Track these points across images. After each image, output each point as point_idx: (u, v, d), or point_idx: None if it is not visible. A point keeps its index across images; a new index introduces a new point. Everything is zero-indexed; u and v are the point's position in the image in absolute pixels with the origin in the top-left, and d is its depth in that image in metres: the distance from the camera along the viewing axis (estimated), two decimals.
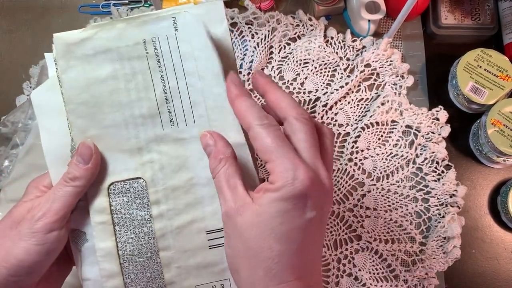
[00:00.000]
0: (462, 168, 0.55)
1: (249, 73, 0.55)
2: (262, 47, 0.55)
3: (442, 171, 0.53)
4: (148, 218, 0.33)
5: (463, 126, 0.56)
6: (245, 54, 0.55)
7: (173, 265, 0.34)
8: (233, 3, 0.57)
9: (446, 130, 0.54)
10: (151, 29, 0.32)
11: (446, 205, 0.53)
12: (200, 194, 0.33)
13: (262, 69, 0.56)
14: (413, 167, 0.54)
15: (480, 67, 0.52)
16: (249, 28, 0.56)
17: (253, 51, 0.55)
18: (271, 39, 0.56)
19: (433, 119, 0.54)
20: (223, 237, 0.32)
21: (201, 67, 0.32)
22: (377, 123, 0.54)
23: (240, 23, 0.55)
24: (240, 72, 0.55)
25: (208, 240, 0.33)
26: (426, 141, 0.54)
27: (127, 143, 0.33)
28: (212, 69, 0.32)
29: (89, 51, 0.32)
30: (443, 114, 0.54)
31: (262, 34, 0.55)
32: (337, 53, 0.57)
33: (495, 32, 0.58)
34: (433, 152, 0.53)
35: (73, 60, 0.32)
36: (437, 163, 0.53)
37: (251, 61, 0.55)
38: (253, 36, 0.56)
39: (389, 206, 0.53)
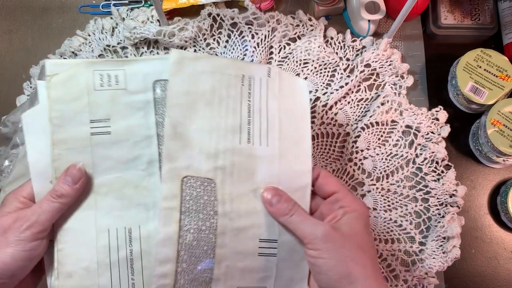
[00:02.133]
0: (462, 168, 0.55)
1: None
2: (262, 47, 0.55)
3: (442, 171, 0.53)
4: (213, 214, 0.36)
5: (463, 126, 0.56)
6: (245, 54, 0.56)
7: (224, 263, 0.36)
8: (233, 3, 0.57)
9: (446, 130, 0.54)
10: (250, 69, 0.39)
11: (446, 205, 0.53)
12: (260, 206, 0.37)
13: None
14: (413, 167, 0.54)
15: (480, 67, 0.52)
16: (249, 28, 0.56)
17: (253, 51, 0.55)
18: (271, 39, 0.56)
19: (433, 119, 0.55)
20: (272, 248, 0.37)
21: (284, 117, 0.39)
22: (377, 123, 0.54)
23: (240, 23, 0.56)
24: None
25: (259, 247, 0.37)
26: (426, 141, 0.54)
27: (208, 146, 0.37)
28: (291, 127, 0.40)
29: (199, 68, 0.38)
30: (442, 114, 0.54)
31: (262, 34, 0.55)
32: (337, 53, 0.57)
33: (495, 32, 0.58)
34: (433, 152, 0.54)
35: (185, 70, 0.37)
36: (437, 163, 0.54)
37: (251, 61, 0.55)
38: (253, 36, 0.56)
39: (389, 206, 0.53)
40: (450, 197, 0.53)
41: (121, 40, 0.57)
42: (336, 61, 0.56)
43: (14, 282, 0.35)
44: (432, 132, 0.54)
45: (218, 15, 0.56)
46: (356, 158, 0.54)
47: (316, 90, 0.55)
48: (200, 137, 0.37)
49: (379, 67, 0.56)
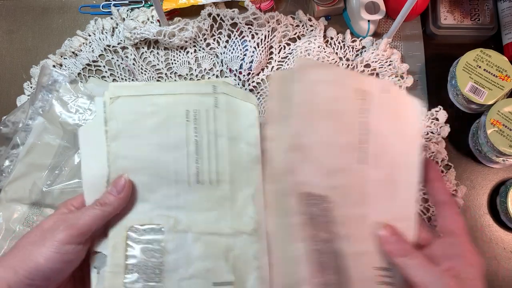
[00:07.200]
0: (462, 168, 0.55)
1: (249, 73, 0.55)
2: (262, 47, 0.55)
3: (442, 171, 0.54)
4: (331, 236, 0.34)
5: (463, 126, 0.56)
6: (245, 55, 0.56)
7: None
8: (233, 4, 0.57)
9: (446, 130, 0.54)
10: (367, 83, 0.36)
11: None
12: (371, 234, 0.35)
13: (262, 69, 0.56)
14: None
15: (480, 67, 0.53)
16: (249, 28, 0.56)
17: (253, 52, 0.55)
18: (271, 39, 0.56)
19: (432, 119, 0.55)
20: (388, 276, 0.35)
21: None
22: None
23: (240, 23, 0.56)
24: (240, 73, 0.55)
25: (378, 275, 0.35)
26: (426, 141, 0.54)
27: (325, 162, 0.35)
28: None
29: (320, 77, 0.36)
30: (442, 114, 0.54)
31: (262, 34, 0.55)
32: (336, 53, 0.57)
33: (495, 32, 0.58)
34: (432, 152, 0.54)
35: (304, 78, 0.35)
36: (437, 163, 0.54)
37: (251, 62, 0.55)
38: (253, 37, 0.56)
39: None
40: None
41: (121, 40, 0.57)
42: (336, 61, 0.56)
43: (49, 286, 0.34)
44: (432, 132, 0.54)
45: (218, 15, 0.56)
46: None
47: None
48: (318, 151, 0.34)
49: (379, 67, 0.56)
